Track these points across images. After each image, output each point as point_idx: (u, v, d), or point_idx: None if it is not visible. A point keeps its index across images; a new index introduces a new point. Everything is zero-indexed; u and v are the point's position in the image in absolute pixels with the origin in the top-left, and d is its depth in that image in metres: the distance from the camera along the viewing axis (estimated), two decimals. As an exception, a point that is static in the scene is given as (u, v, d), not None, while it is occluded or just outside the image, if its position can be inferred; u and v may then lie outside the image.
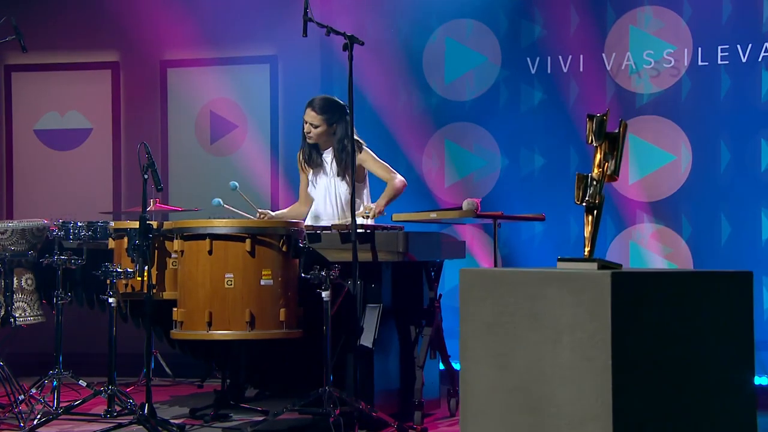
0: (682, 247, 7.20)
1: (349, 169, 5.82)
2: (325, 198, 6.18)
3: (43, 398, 5.60)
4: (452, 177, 7.82)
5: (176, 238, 5.43)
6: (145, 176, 5.48)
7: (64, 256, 5.71)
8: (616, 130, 3.23)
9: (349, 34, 5.61)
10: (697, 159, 7.21)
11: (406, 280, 5.86)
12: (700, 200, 7.17)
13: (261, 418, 5.62)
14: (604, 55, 7.47)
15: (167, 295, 5.54)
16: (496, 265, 5.70)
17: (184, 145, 8.56)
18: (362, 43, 5.59)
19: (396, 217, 5.81)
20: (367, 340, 5.56)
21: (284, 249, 5.36)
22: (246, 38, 8.43)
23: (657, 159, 7.33)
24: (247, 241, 5.28)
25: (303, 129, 6.16)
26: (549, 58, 7.60)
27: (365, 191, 6.20)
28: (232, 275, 5.29)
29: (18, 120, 8.84)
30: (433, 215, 5.68)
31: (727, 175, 7.10)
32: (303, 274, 5.39)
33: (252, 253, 5.29)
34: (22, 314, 5.87)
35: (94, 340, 6.54)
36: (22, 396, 5.62)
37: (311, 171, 6.26)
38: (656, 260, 7.23)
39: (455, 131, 7.81)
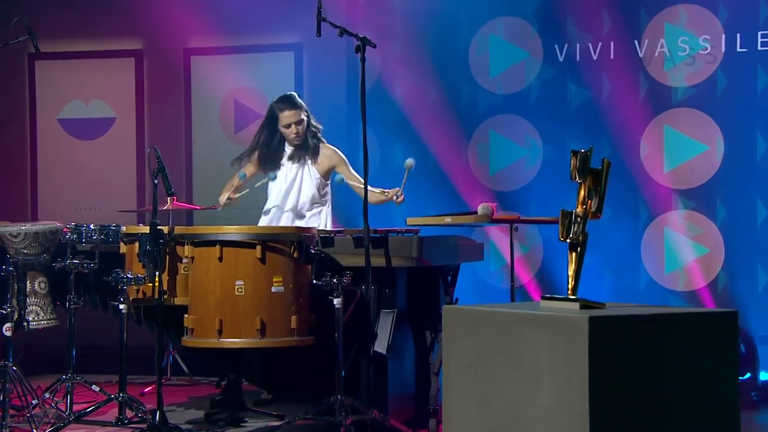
0: (713, 230, 7.30)
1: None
2: (287, 194, 6.31)
3: (56, 404, 5.72)
4: (496, 166, 7.89)
5: (187, 244, 5.51)
6: (156, 181, 5.57)
7: (76, 260, 5.80)
8: (599, 167, 3.24)
9: (361, 36, 5.64)
10: (731, 149, 7.31)
11: (422, 284, 5.90)
12: (735, 186, 7.32)
13: (277, 424, 5.70)
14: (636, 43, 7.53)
15: (179, 300, 5.61)
16: (512, 271, 5.72)
17: (208, 134, 8.65)
18: (374, 46, 5.63)
19: (411, 221, 5.85)
20: (381, 346, 5.62)
21: (295, 255, 5.41)
22: (270, 26, 8.48)
23: (690, 149, 7.41)
24: (258, 247, 5.34)
25: (271, 135, 6.33)
26: (579, 45, 7.67)
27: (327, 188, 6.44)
28: (242, 282, 5.35)
29: (42, 109, 8.97)
30: (447, 220, 5.71)
31: (764, 164, 7.18)
32: (315, 281, 5.45)
33: (263, 259, 5.35)
34: (36, 318, 5.99)
35: (108, 333, 6.57)
36: (36, 400, 5.74)
37: (267, 168, 6.42)
38: (685, 243, 7.34)
39: (498, 123, 7.87)
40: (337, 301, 5.37)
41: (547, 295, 3.33)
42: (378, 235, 5.67)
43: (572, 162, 3.23)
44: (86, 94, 8.90)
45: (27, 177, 8.98)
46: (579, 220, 3.24)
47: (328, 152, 6.45)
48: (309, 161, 6.36)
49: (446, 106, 8.02)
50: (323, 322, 5.50)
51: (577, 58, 7.72)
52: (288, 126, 6.31)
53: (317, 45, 8.37)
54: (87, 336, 6.52)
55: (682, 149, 7.42)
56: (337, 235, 5.78)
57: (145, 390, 6.93)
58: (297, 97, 6.40)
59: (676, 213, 7.46)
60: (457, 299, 5.98)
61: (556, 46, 7.75)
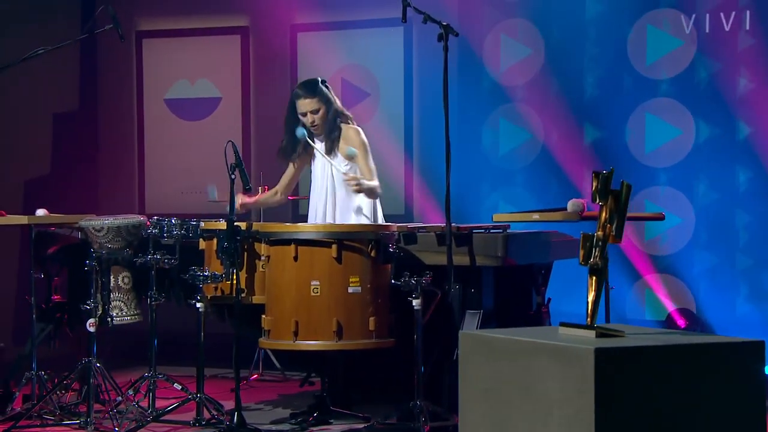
0: None
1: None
2: (321, 185, 6.38)
3: (137, 403, 6.00)
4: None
5: (263, 243, 5.70)
6: (233, 176, 5.76)
7: (157, 255, 6.04)
8: (619, 189, 3.26)
9: (444, 24, 5.70)
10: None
11: (510, 283, 5.96)
12: None
13: (360, 426, 5.85)
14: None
15: (257, 299, 5.81)
16: (606, 271, 5.71)
17: (315, 114, 8.80)
18: (456, 35, 5.69)
19: (497, 217, 5.90)
20: (465, 348, 5.70)
21: (373, 254, 5.54)
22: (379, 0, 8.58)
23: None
24: (334, 246, 5.49)
25: (288, 127, 6.36)
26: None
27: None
28: (318, 282, 5.52)
29: (149, 89, 9.31)
30: (535, 216, 5.74)
31: None
32: (393, 281, 5.56)
33: (338, 259, 5.50)
34: (119, 313, 6.25)
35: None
36: (120, 397, 6.04)
37: (309, 161, 6.48)
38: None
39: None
40: (416, 302, 5.48)
41: (566, 322, 3.37)
42: (462, 233, 5.74)
43: (593, 184, 3.26)
44: (192, 73, 9.19)
45: (134, 159, 9.34)
46: (600, 244, 3.28)
47: (349, 133, 6.37)
48: (333, 149, 6.35)
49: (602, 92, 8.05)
50: (405, 324, 5.61)
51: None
52: (304, 114, 6.33)
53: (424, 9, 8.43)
54: (178, 325, 6.75)
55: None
56: (420, 232, 5.88)
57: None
58: (320, 83, 6.34)
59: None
60: (549, 299, 6.02)
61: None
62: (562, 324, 3.41)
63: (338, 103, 6.42)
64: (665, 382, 3.08)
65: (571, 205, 5.63)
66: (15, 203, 8.13)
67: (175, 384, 6.16)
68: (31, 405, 6.09)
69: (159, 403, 6.12)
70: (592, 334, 3.25)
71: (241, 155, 5.84)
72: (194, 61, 9.17)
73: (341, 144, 6.39)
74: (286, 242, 5.57)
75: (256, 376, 7.52)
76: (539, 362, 3.16)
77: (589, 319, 3.32)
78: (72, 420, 5.99)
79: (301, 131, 6.32)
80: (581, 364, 3.00)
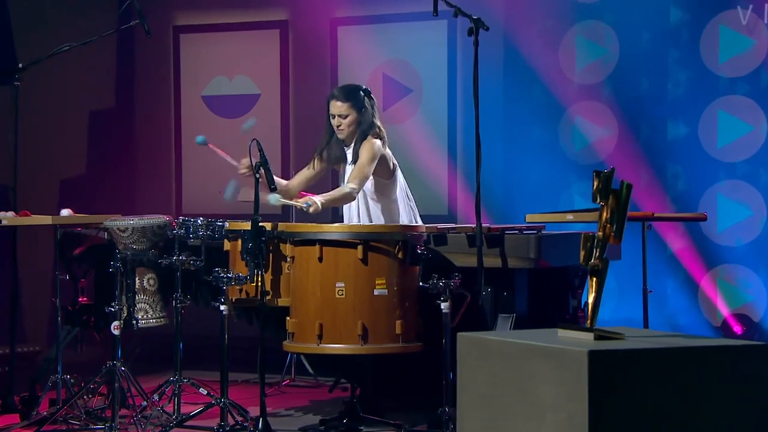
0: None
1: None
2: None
3: (161, 408, 6.11)
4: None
5: (288, 243, 5.77)
6: (257, 175, 5.84)
7: (183, 256, 6.13)
8: (619, 189, 3.29)
9: (475, 17, 5.74)
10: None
11: (545, 286, 5.98)
12: None
13: (391, 434, 5.92)
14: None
15: (282, 301, 5.86)
16: (645, 275, 5.73)
17: (356, 111, 8.87)
18: (487, 28, 5.72)
19: (530, 218, 5.93)
20: (497, 353, 5.74)
21: (400, 255, 5.59)
22: (422, -9, 8.63)
23: None
24: (359, 247, 5.55)
25: (327, 126, 6.40)
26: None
27: (394, 187, 6.36)
28: (343, 284, 5.58)
29: (186, 85, 9.44)
30: (569, 217, 5.76)
31: None
32: (421, 283, 5.61)
33: (364, 260, 5.56)
34: (144, 316, 6.35)
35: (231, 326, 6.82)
36: (145, 402, 6.15)
37: (338, 165, 6.51)
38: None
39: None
40: (444, 305, 5.53)
41: (564, 324, 3.41)
42: (493, 234, 5.78)
43: (594, 183, 3.29)
44: (230, 69, 9.31)
45: (171, 156, 9.47)
46: (599, 244, 3.30)
47: (367, 145, 6.28)
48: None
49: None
50: (434, 328, 5.65)
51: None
52: (332, 116, 6.37)
53: (470, 10, 8.45)
54: (208, 328, 6.84)
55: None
56: (451, 233, 5.92)
57: (268, 391, 7.26)
58: (360, 91, 6.35)
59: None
60: (586, 302, 6.02)
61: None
62: (561, 326, 3.45)
63: (376, 117, 6.35)
64: (665, 387, 3.10)
65: (607, 204, 5.62)
66: (50, 203, 8.27)
67: (201, 389, 6.25)
68: (56, 409, 6.21)
69: (185, 408, 6.21)
70: (590, 336, 3.29)
71: (272, 153, 5.90)
72: (232, 57, 9.29)
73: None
74: (311, 243, 5.64)
75: (287, 381, 7.60)
76: (534, 365, 3.20)
77: (588, 322, 3.35)
78: (98, 425, 6.10)
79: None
80: (575, 367, 3.03)
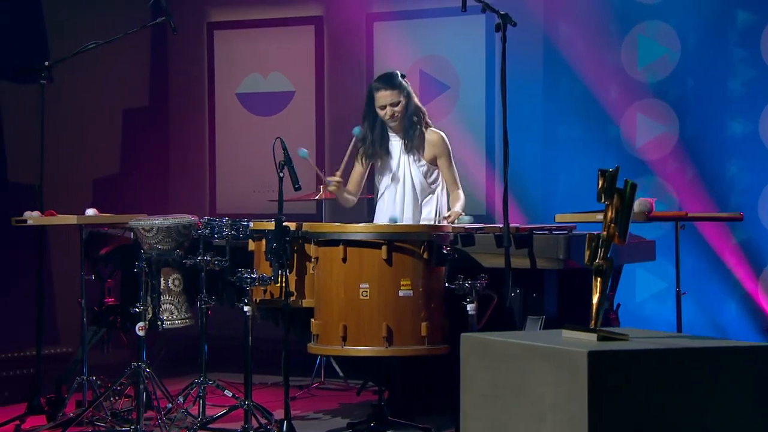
0: None
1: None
2: (395, 184, 6.54)
3: (186, 410, 6.20)
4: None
5: (312, 243, 5.83)
6: (281, 174, 5.91)
7: (207, 256, 6.21)
8: (623, 188, 3.32)
9: (502, 13, 5.77)
10: None
11: (576, 287, 5.98)
12: None
13: (419, 437, 5.96)
14: None
15: (307, 303, 5.92)
16: (678, 277, 5.74)
17: (393, 108, 8.93)
18: (515, 24, 5.75)
19: (560, 218, 5.95)
20: (526, 356, 5.77)
21: (425, 256, 5.63)
22: (459, -15, 8.65)
23: None
24: (383, 247, 5.59)
25: (370, 120, 6.45)
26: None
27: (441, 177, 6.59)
28: (367, 285, 5.62)
29: (220, 82, 9.54)
30: (599, 217, 5.74)
31: None
32: (447, 284, 5.66)
33: (389, 261, 5.60)
34: (170, 317, 6.44)
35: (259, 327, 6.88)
36: (171, 404, 6.25)
37: (378, 161, 6.63)
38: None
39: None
40: (470, 307, 5.59)
41: (570, 325, 3.44)
42: (522, 234, 5.81)
43: (599, 183, 3.32)
44: (264, 65, 9.40)
45: (205, 155, 9.57)
46: (604, 244, 3.34)
47: (434, 138, 6.60)
48: (414, 148, 6.52)
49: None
50: (461, 330, 5.68)
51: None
52: (383, 107, 6.50)
53: (509, 8, 8.48)
54: (233, 329, 6.91)
55: None
56: (479, 233, 5.96)
57: (297, 394, 7.35)
58: (399, 76, 6.55)
59: None
60: (618, 305, 6.05)
61: None
62: (566, 327, 3.49)
63: (416, 99, 6.62)
64: (665, 388, 3.13)
65: (639, 204, 5.65)
66: (83, 203, 8.36)
67: (226, 391, 6.34)
68: (81, 411, 6.32)
69: (211, 411, 6.30)
70: (593, 337, 3.32)
71: (289, 154, 5.95)
72: (267, 54, 9.39)
73: (426, 149, 6.60)
74: (334, 243, 5.69)
75: (316, 383, 7.67)
76: (535, 365, 3.25)
77: (593, 322, 3.38)
78: (123, 427, 6.20)
79: (356, 129, 6.49)
80: (575, 368, 3.07)
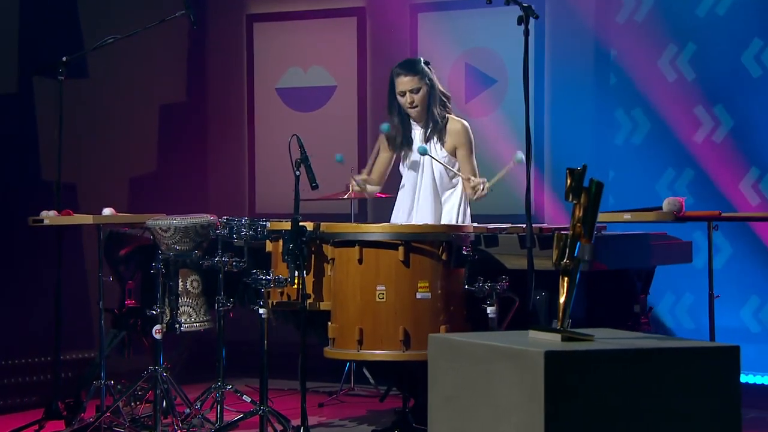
0: None
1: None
2: (415, 175, 6.64)
3: (202, 415, 6.37)
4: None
5: (329, 244, 5.96)
6: (298, 173, 6.05)
7: (225, 257, 6.36)
8: (589, 187, 3.41)
9: (525, 5, 5.85)
10: None
11: (603, 290, 6.05)
12: None
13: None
14: None
15: (324, 305, 6.04)
16: (711, 279, 5.78)
17: (437, 103, 9.03)
18: (537, 17, 5.83)
19: (586, 217, 6.01)
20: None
21: (444, 257, 5.73)
22: (508, -26, 8.72)
23: None
24: (400, 248, 5.70)
25: (396, 107, 6.64)
26: None
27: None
28: (384, 287, 5.73)
29: (259, 77, 9.71)
30: (626, 216, 5.83)
31: None
32: (467, 287, 5.75)
33: (406, 262, 5.71)
34: (188, 320, 6.59)
35: (280, 330, 6.94)
36: (188, 409, 6.42)
37: (402, 150, 6.73)
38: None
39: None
40: (490, 310, 5.68)
41: (537, 326, 3.54)
42: (546, 234, 5.89)
43: (567, 182, 3.42)
44: (305, 59, 9.54)
45: (245, 151, 9.74)
46: (572, 244, 3.43)
47: (457, 127, 6.66)
48: (435, 137, 6.60)
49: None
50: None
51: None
52: (402, 94, 6.60)
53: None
54: (255, 332, 7.05)
55: None
56: (502, 233, 6.04)
57: (325, 401, 7.49)
58: (422, 62, 6.64)
59: None
60: (650, 308, 6.10)
61: None
62: (533, 328, 3.59)
63: (441, 86, 6.71)
64: (624, 389, 3.22)
65: (667, 204, 5.70)
66: (120, 202, 8.58)
67: (244, 396, 6.49)
68: (98, 416, 6.50)
69: (228, 416, 6.46)
70: (558, 338, 3.42)
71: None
72: (307, 47, 9.53)
73: (448, 139, 6.66)
74: (350, 244, 5.80)
75: (345, 390, 7.80)
76: (498, 366, 3.35)
77: (559, 323, 3.48)
78: (142, 432, 6.39)
79: (385, 126, 6.60)
80: (533, 368, 3.17)
